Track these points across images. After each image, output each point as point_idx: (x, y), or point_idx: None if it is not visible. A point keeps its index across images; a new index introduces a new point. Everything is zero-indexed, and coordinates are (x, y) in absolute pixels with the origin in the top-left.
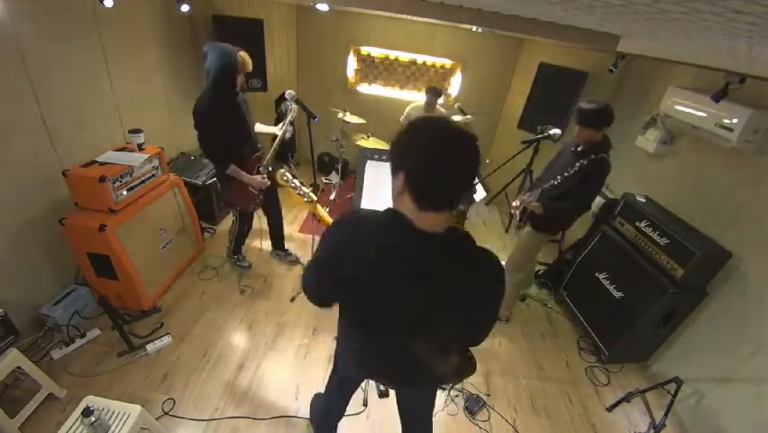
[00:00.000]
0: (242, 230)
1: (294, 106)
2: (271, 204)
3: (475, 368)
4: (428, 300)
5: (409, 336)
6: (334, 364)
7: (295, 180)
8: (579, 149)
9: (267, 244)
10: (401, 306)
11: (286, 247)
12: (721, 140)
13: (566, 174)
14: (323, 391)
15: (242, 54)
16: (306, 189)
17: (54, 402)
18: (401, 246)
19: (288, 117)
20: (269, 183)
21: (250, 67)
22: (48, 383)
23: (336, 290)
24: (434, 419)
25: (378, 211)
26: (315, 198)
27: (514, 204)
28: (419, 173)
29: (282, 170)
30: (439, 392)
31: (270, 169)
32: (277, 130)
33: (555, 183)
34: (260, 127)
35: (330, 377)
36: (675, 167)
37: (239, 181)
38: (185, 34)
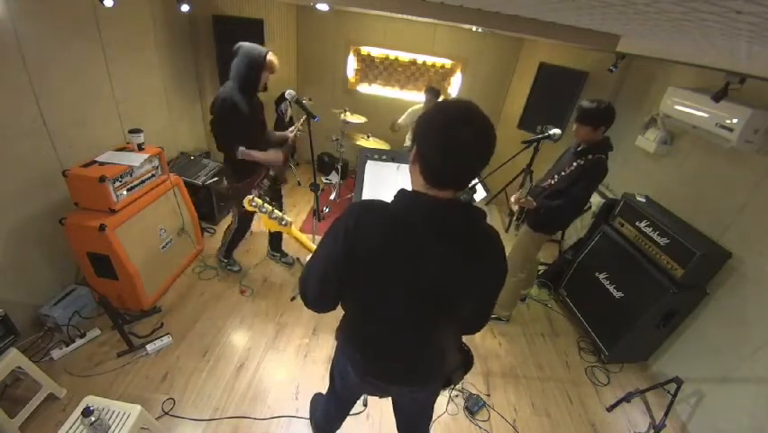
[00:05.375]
0: (239, 233)
1: (289, 110)
2: (275, 205)
3: (473, 361)
4: (457, 265)
5: (431, 309)
6: (331, 382)
7: (266, 205)
8: (579, 148)
9: (263, 248)
10: (425, 274)
11: (282, 249)
12: (721, 140)
13: (563, 173)
14: (322, 392)
15: (272, 54)
16: (279, 213)
17: (54, 402)
18: (428, 214)
19: (299, 121)
20: (282, 158)
21: (276, 68)
22: (48, 383)
23: (352, 277)
24: (433, 420)
25: (378, 199)
26: (290, 220)
27: (512, 200)
28: (426, 151)
29: (250, 196)
30: (439, 398)
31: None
32: (288, 133)
33: (553, 182)
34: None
35: (327, 396)
36: (675, 167)
37: (249, 181)
38: (185, 34)
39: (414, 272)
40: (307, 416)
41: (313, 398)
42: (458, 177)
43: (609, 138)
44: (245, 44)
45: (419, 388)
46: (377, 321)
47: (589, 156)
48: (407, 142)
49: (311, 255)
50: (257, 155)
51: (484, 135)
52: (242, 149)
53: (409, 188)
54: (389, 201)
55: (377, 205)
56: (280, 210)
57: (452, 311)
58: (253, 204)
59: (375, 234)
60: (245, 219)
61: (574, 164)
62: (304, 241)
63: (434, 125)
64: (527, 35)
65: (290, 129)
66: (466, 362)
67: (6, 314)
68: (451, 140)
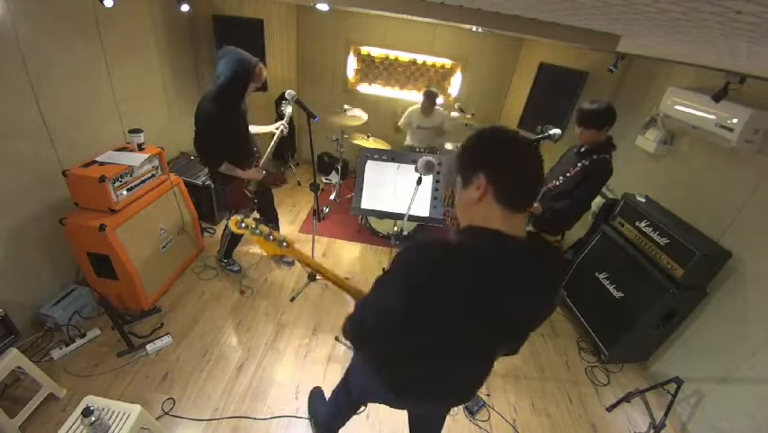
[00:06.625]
0: (236, 234)
1: (289, 109)
2: (267, 208)
3: None
4: (532, 305)
5: (498, 345)
6: (345, 386)
7: (260, 227)
8: (582, 149)
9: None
10: (506, 320)
11: None
12: (721, 140)
13: (568, 174)
14: (320, 388)
15: (261, 65)
16: (277, 235)
17: (54, 402)
18: (505, 259)
19: (285, 118)
20: (263, 174)
21: (264, 78)
22: (48, 383)
23: (424, 328)
24: None
25: (447, 237)
26: (291, 240)
27: None
28: (509, 173)
29: (238, 217)
30: None
31: (271, 169)
32: (273, 128)
33: (557, 183)
34: (254, 129)
35: (341, 396)
36: (675, 167)
37: (235, 184)
38: (185, 34)
39: (490, 314)
40: (308, 415)
41: (311, 394)
42: (536, 189)
43: (612, 138)
44: (233, 49)
45: (451, 406)
46: (431, 359)
47: (594, 156)
48: (408, 142)
49: (367, 297)
50: (239, 173)
51: (536, 147)
52: (225, 164)
53: (410, 188)
54: (454, 239)
55: (452, 250)
56: (274, 212)
57: (509, 344)
58: (242, 226)
59: (466, 285)
60: None
61: (579, 165)
62: (309, 261)
63: (502, 146)
64: (527, 35)
65: (275, 125)
66: None
67: (6, 314)
68: (520, 152)
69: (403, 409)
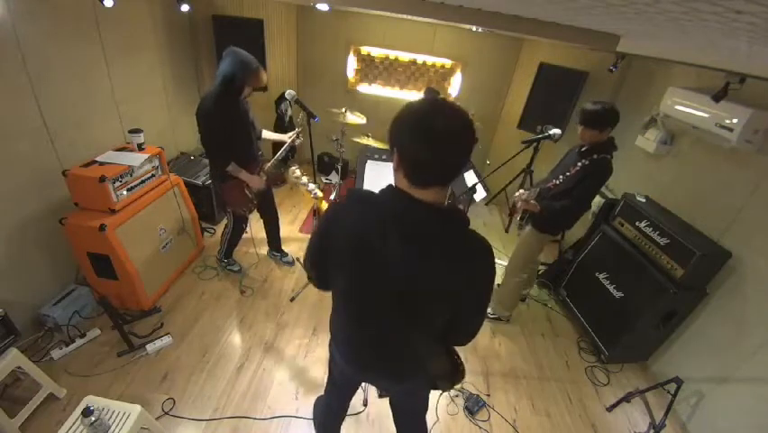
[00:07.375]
0: (235, 234)
1: (299, 116)
2: (267, 208)
3: (464, 375)
4: (427, 269)
5: (405, 311)
6: (329, 369)
7: (304, 177)
8: (583, 149)
9: (263, 247)
10: (401, 275)
11: (283, 249)
12: (721, 140)
13: (568, 173)
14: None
15: (261, 69)
16: (313, 186)
17: (54, 402)
18: (402, 213)
19: (298, 128)
20: (265, 186)
21: (263, 82)
22: (48, 383)
23: (335, 264)
24: (434, 419)
25: (367, 190)
26: (321, 195)
27: (516, 195)
28: (406, 150)
29: (293, 168)
30: (437, 394)
31: (274, 172)
32: (287, 137)
33: (557, 182)
34: (268, 135)
35: (327, 381)
36: (675, 167)
37: (235, 182)
38: (185, 34)
39: (378, 267)
40: (307, 416)
41: (315, 401)
42: (438, 169)
43: (614, 138)
44: (236, 50)
45: (395, 382)
46: (358, 316)
47: (594, 156)
48: None
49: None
50: (244, 176)
51: (456, 120)
52: (233, 164)
53: None
54: (380, 191)
55: (365, 199)
56: (274, 211)
57: (419, 313)
58: (296, 175)
59: (354, 224)
60: (239, 220)
61: (579, 164)
62: None
63: (405, 124)
64: (527, 35)
65: (289, 135)
66: (453, 373)
67: (6, 314)
68: (424, 130)
69: (358, 371)
